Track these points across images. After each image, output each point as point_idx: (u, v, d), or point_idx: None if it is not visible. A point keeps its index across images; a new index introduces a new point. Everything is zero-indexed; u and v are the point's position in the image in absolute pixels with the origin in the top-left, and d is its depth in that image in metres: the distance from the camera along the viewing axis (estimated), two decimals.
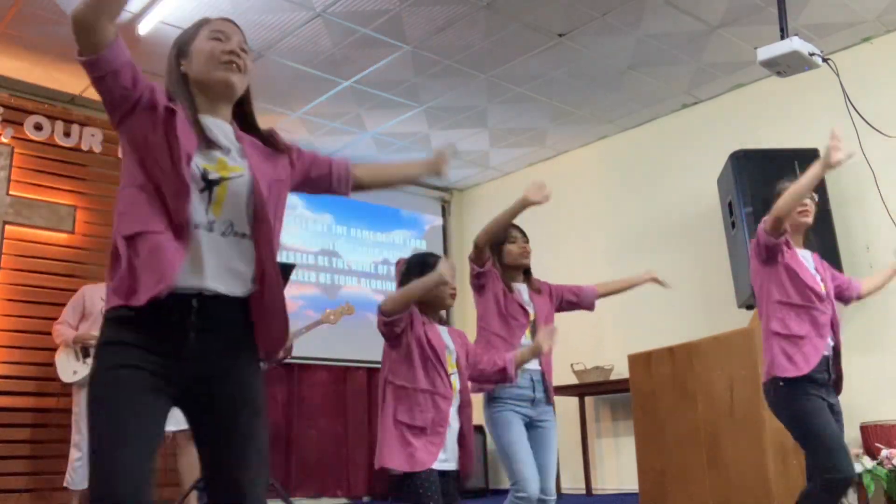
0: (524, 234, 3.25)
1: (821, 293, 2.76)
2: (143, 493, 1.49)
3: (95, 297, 4.57)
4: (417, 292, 2.47)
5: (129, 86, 1.60)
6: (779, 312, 2.77)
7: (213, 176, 1.63)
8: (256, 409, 1.64)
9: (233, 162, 1.68)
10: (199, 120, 1.68)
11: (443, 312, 2.72)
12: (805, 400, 2.67)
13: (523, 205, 3.00)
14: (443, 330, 2.65)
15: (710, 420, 4.24)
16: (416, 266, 2.66)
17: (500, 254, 3.18)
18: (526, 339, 3.06)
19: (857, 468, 4.24)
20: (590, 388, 5.87)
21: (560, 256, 6.39)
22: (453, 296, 2.65)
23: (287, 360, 5.50)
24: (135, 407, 1.51)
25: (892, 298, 4.75)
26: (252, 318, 1.64)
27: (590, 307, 3.36)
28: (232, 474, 1.60)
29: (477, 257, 3.08)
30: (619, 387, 5.47)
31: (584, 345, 6.07)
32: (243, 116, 1.80)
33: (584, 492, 5.89)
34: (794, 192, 2.69)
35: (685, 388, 4.42)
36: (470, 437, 2.57)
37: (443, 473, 2.48)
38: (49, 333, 4.61)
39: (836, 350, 2.80)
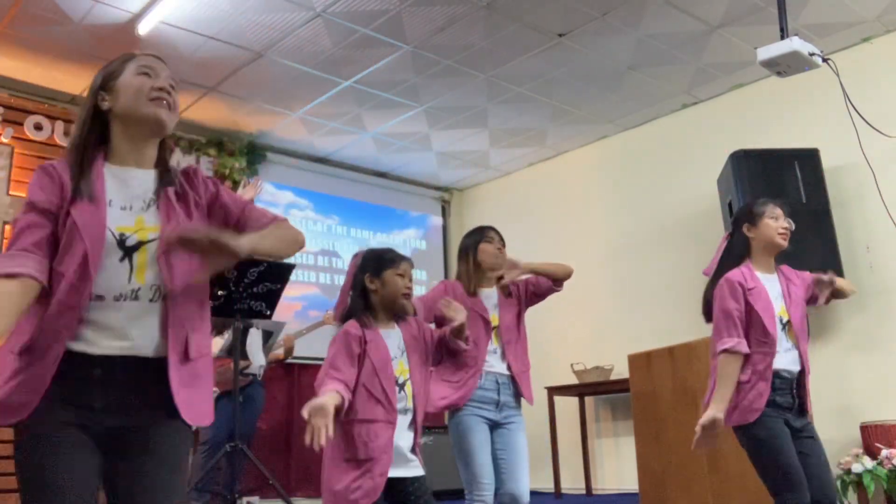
0: (501, 238, 3.15)
1: (773, 335, 2.70)
2: None
3: None
4: None
5: (46, 245, 1.56)
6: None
7: (130, 241, 1.58)
8: (173, 466, 1.60)
9: (150, 220, 1.61)
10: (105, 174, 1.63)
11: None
12: (767, 428, 2.64)
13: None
14: (388, 333, 2.49)
15: None
16: (371, 261, 2.55)
17: (475, 253, 3.09)
18: (492, 344, 2.99)
19: (857, 468, 4.24)
20: (590, 388, 5.86)
21: (559, 256, 6.36)
22: (407, 296, 2.51)
23: (287, 360, 5.51)
24: (65, 463, 1.49)
25: (893, 298, 4.75)
26: (170, 381, 1.58)
27: (549, 289, 3.18)
28: None
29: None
30: (619, 387, 5.47)
31: (584, 345, 6.08)
32: (160, 162, 1.72)
33: (584, 492, 5.89)
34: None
35: (685, 388, 4.42)
36: (419, 441, 2.46)
37: (401, 480, 2.37)
38: None
39: (802, 374, 2.75)
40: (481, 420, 2.89)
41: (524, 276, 3.08)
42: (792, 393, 2.71)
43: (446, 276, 7.17)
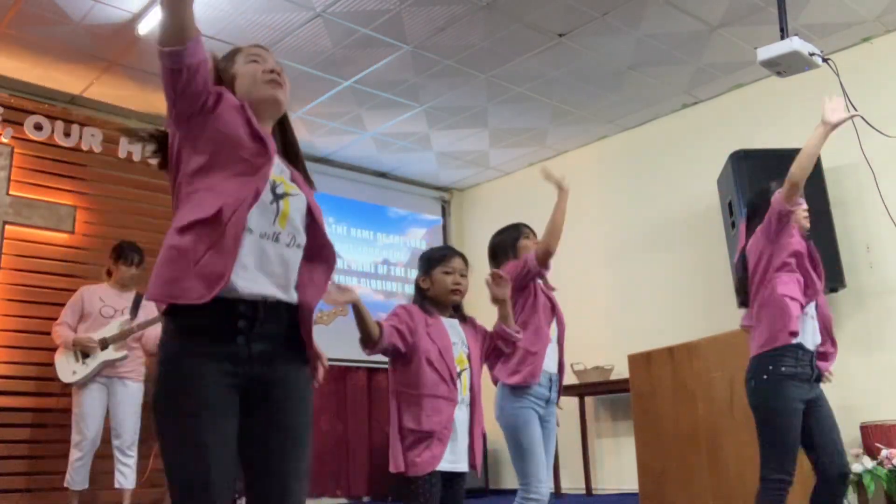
0: (534, 232, 3.27)
1: (821, 275, 2.87)
2: (227, 497, 1.54)
3: (94, 297, 4.57)
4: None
5: (203, 83, 1.64)
6: (785, 279, 2.83)
7: (279, 190, 1.68)
8: (308, 414, 1.68)
9: (289, 180, 1.73)
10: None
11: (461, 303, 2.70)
12: (785, 401, 2.74)
13: None
14: (452, 324, 2.61)
15: (710, 420, 4.24)
16: (423, 262, 2.68)
17: (515, 249, 3.19)
18: (553, 330, 3.10)
19: (857, 468, 4.24)
20: (590, 388, 5.87)
21: (560, 256, 6.35)
22: (455, 291, 2.61)
23: None
24: (215, 414, 1.54)
25: (893, 298, 4.75)
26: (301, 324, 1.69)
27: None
28: (283, 479, 1.61)
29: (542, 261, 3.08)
30: (619, 387, 5.47)
31: (584, 345, 6.07)
32: (286, 145, 1.86)
33: (584, 492, 5.89)
34: (806, 154, 2.80)
35: (685, 388, 4.42)
36: (479, 435, 2.55)
37: (452, 475, 2.47)
38: (49, 333, 4.61)
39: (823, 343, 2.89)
40: (536, 415, 2.96)
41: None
42: (811, 365, 2.81)
43: None
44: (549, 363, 3.04)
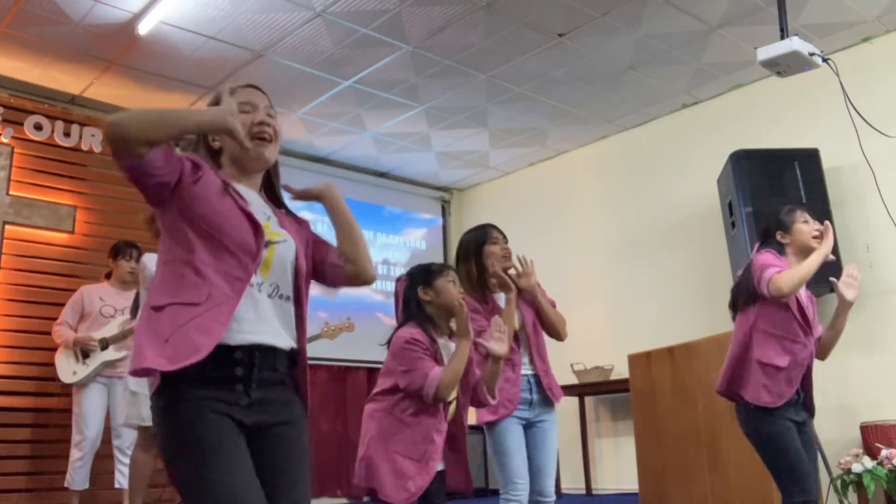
0: (504, 236, 3.06)
1: (807, 328, 2.79)
2: None
3: (94, 297, 4.57)
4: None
5: (166, 178, 1.59)
6: (763, 341, 2.78)
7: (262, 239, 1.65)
8: (304, 456, 1.66)
9: (275, 227, 1.70)
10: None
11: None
12: (773, 424, 2.70)
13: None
14: (447, 347, 2.59)
15: (710, 420, 4.24)
16: (420, 275, 2.62)
17: (479, 255, 2.97)
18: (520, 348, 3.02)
19: (857, 468, 4.24)
20: (590, 388, 5.87)
21: (560, 256, 6.38)
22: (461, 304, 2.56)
23: None
24: (237, 451, 1.52)
25: (893, 298, 4.75)
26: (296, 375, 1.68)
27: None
28: None
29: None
30: (619, 387, 5.47)
31: (584, 345, 6.08)
32: (269, 187, 1.82)
33: (584, 492, 5.89)
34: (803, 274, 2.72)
35: (685, 388, 4.42)
36: (462, 444, 2.57)
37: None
38: (49, 333, 4.61)
39: (808, 372, 2.84)
40: (516, 421, 2.94)
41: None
42: (798, 389, 2.79)
43: None
44: (526, 368, 2.99)
